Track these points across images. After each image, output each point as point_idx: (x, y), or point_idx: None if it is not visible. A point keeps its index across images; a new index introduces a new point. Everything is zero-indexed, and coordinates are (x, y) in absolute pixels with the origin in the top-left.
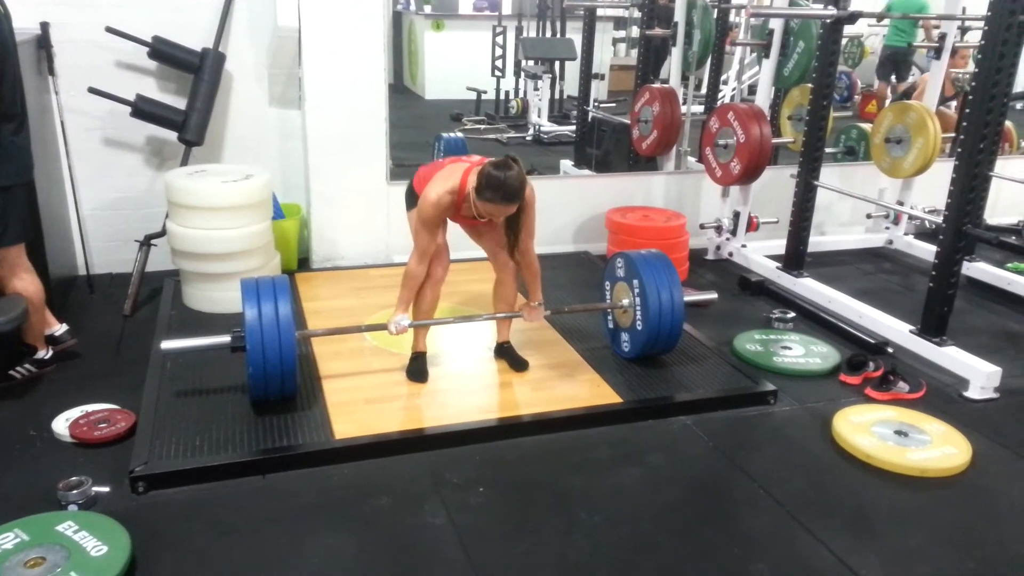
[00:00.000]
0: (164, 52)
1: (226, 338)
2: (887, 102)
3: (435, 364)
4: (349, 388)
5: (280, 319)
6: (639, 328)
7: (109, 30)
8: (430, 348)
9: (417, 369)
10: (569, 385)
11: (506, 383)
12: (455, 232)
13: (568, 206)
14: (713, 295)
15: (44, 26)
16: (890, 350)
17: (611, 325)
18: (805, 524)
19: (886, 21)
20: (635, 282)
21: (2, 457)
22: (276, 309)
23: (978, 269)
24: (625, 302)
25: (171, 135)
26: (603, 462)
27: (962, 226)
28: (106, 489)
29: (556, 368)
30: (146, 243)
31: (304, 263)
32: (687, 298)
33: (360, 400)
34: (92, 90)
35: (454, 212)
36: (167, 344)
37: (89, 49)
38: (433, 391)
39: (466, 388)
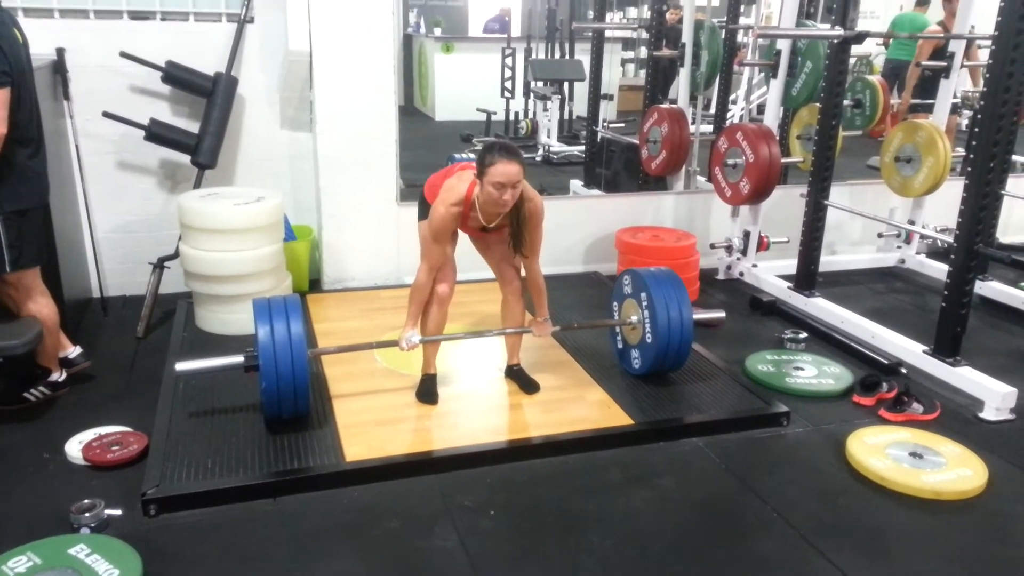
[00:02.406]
0: (177, 77)
1: (239, 358)
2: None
3: (445, 385)
4: (360, 410)
5: (292, 338)
6: (648, 342)
7: (123, 55)
8: (440, 369)
9: (427, 391)
10: (579, 407)
11: (516, 404)
12: (463, 252)
13: (578, 226)
14: (721, 313)
15: (60, 52)
16: (904, 371)
17: (620, 344)
18: (819, 547)
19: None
20: (643, 295)
21: (16, 480)
22: (288, 328)
23: (991, 288)
24: (634, 319)
25: (184, 158)
26: (614, 484)
27: (974, 245)
28: (118, 512)
29: (566, 389)
30: (159, 265)
31: (315, 284)
32: (695, 316)
33: (371, 422)
34: (107, 114)
35: (462, 222)
36: (181, 366)
37: (104, 74)
38: (443, 413)
39: (476, 410)
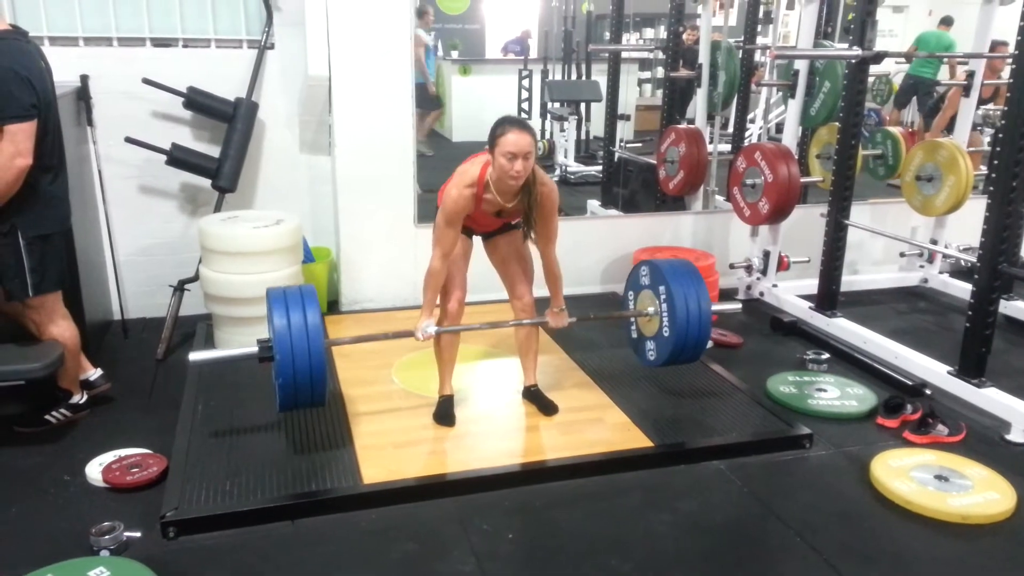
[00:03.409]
0: (199, 102)
1: (253, 348)
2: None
3: (462, 407)
4: (377, 432)
5: (309, 326)
6: (666, 336)
7: (146, 82)
8: (457, 390)
9: (444, 413)
10: (599, 429)
11: (534, 426)
12: (475, 273)
13: (595, 246)
14: (738, 306)
15: (84, 79)
16: (928, 392)
17: (635, 335)
18: (843, 572)
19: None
20: (661, 288)
21: (37, 501)
22: (304, 317)
23: (1017, 308)
24: (651, 310)
25: (205, 182)
26: (634, 508)
27: (998, 265)
28: (138, 534)
29: (585, 411)
30: (180, 288)
31: (333, 306)
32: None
33: (388, 444)
34: (129, 139)
35: (475, 206)
36: (195, 356)
37: (126, 100)
38: (461, 435)
39: (494, 432)
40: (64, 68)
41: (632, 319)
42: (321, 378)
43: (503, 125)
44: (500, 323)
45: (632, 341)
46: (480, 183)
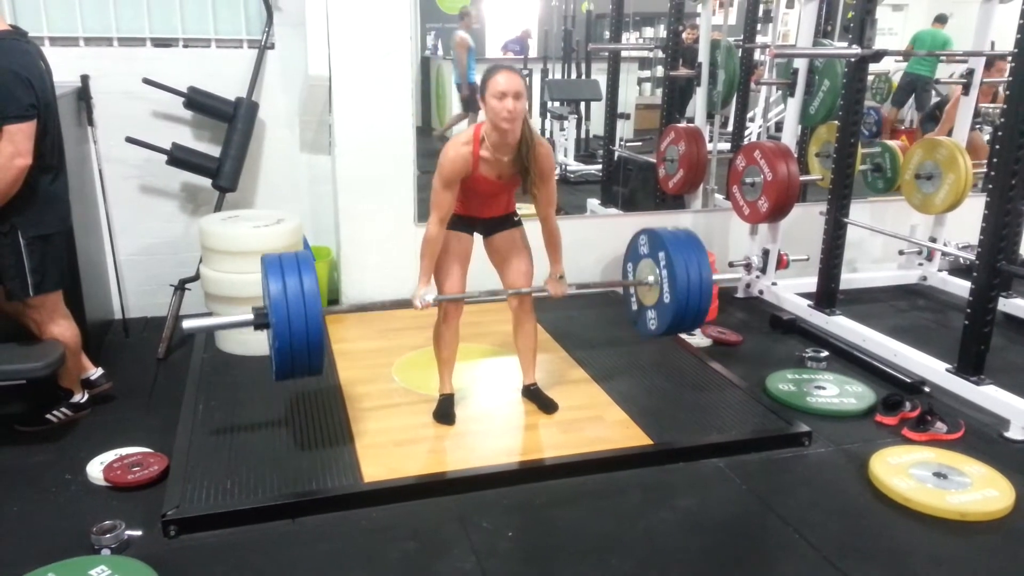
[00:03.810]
0: (199, 102)
1: (248, 315)
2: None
3: (462, 405)
4: (377, 430)
5: (306, 292)
6: (666, 302)
7: (146, 82)
8: (457, 389)
9: (444, 411)
10: (598, 427)
11: (534, 425)
12: (474, 273)
13: (595, 245)
14: (739, 275)
15: (84, 79)
16: (927, 389)
17: (634, 306)
18: (842, 569)
19: None
20: (660, 255)
21: (38, 501)
22: (301, 282)
23: (1015, 305)
24: (650, 279)
25: (205, 182)
26: (634, 506)
27: (997, 262)
28: (139, 533)
29: (585, 409)
30: (180, 287)
31: (333, 305)
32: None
33: (389, 443)
34: (130, 139)
35: (473, 167)
36: (189, 324)
37: (127, 100)
38: (461, 433)
39: (494, 430)
40: (64, 68)
41: (632, 290)
42: (318, 345)
43: (491, 70)
44: (499, 291)
45: (632, 314)
46: (476, 140)
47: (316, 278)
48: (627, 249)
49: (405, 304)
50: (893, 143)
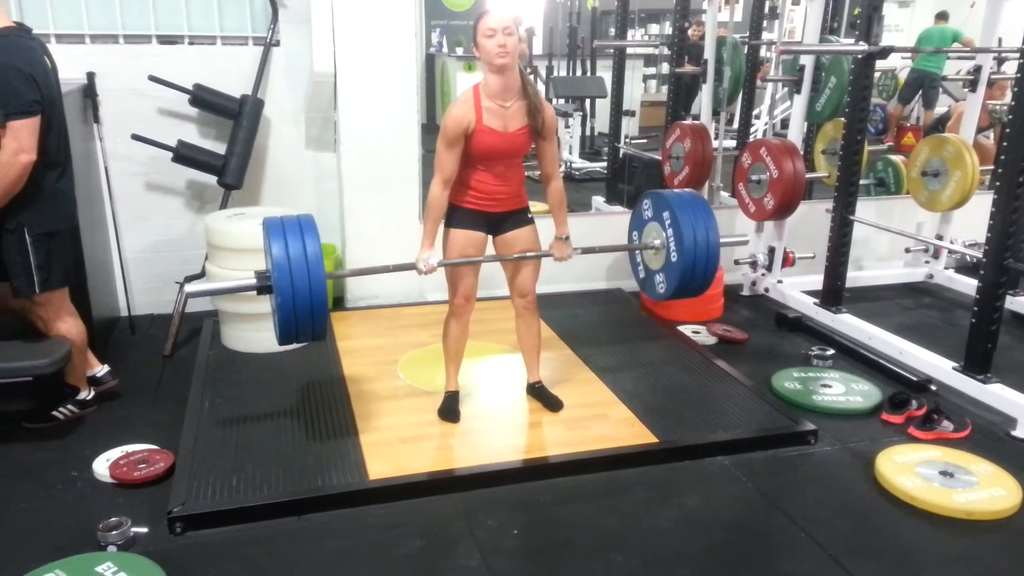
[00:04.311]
0: (205, 99)
1: (251, 279)
2: (910, 123)
3: (467, 403)
4: (383, 427)
5: (308, 254)
6: (673, 261)
7: (152, 79)
8: (462, 386)
9: (449, 409)
10: (603, 425)
11: (539, 423)
12: (485, 274)
13: (600, 242)
14: (746, 238)
15: (90, 76)
16: (933, 388)
17: (642, 274)
18: (848, 568)
19: None
20: (665, 214)
21: (44, 497)
22: (304, 245)
23: (1022, 304)
24: (657, 242)
25: (211, 179)
26: (639, 504)
27: (1004, 260)
28: (145, 530)
29: (590, 407)
30: (186, 284)
31: (339, 302)
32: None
33: (394, 440)
34: (135, 136)
35: (476, 119)
36: (191, 287)
37: (133, 97)
38: (466, 431)
39: (499, 428)
40: (71, 65)
41: (639, 257)
42: (322, 307)
43: (480, 14)
44: (504, 256)
45: (641, 281)
46: (475, 93)
47: (319, 240)
48: (631, 217)
49: (408, 266)
50: (896, 157)
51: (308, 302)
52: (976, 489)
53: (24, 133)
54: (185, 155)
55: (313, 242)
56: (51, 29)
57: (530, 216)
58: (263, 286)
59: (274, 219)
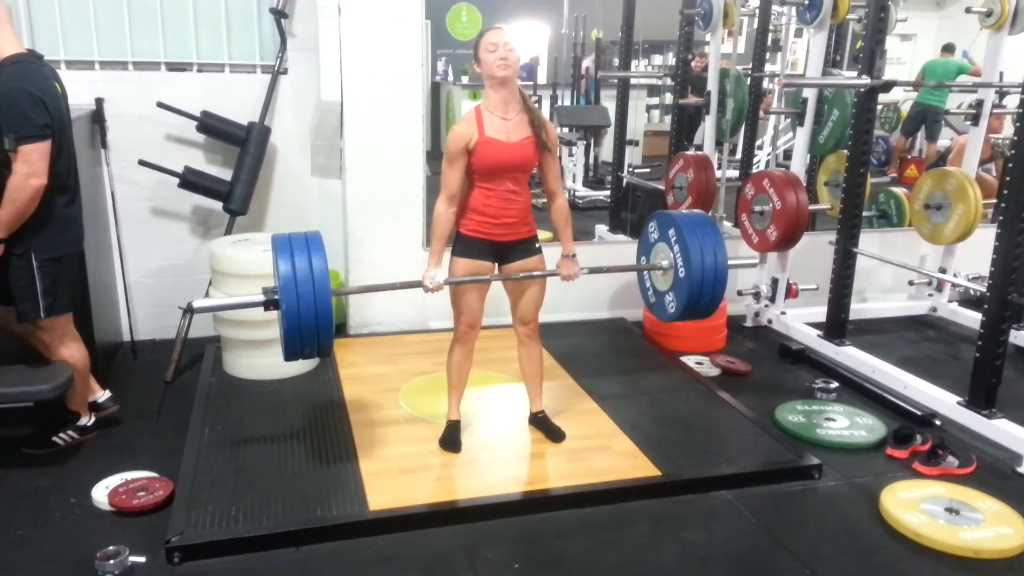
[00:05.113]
0: (212, 126)
1: (259, 296)
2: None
3: (469, 433)
4: (384, 457)
5: (315, 272)
6: (681, 277)
7: (160, 105)
8: (463, 415)
9: (450, 438)
10: (606, 457)
11: (541, 453)
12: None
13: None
14: (755, 260)
15: (99, 102)
16: (938, 422)
17: (652, 298)
18: None
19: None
20: (671, 232)
21: (42, 524)
22: (310, 263)
23: None
24: (664, 262)
25: (216, 205)
26: (642, 538)
27: (1007, 295)
28: (142, 559)
29: (592, 438)
30: (189, 310)
31: (341, 329)
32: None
33: (394, 470)
34: (142, 162)
35: (479, 132)
36: (199, 303)
37: (140, 123)
38: (467, 461)
39: (500, 459)
40: (80, 91)
41: (648, 280)
42: (327, 321)
43: (483, 30)
44: (510, 276)
45: (651, 306)
46: (476, 110)
47: (325, 257)
48: (639, 243)
49: (415, 283)
50: (899, 190)
51: (313, 315)
52: (982, 527)
53: (35, 157)
54: (191, 181)
55: (319, 258)
56: (61, 55)
57: (538, 246)
58: (269, 300)
59: (282, 236)
